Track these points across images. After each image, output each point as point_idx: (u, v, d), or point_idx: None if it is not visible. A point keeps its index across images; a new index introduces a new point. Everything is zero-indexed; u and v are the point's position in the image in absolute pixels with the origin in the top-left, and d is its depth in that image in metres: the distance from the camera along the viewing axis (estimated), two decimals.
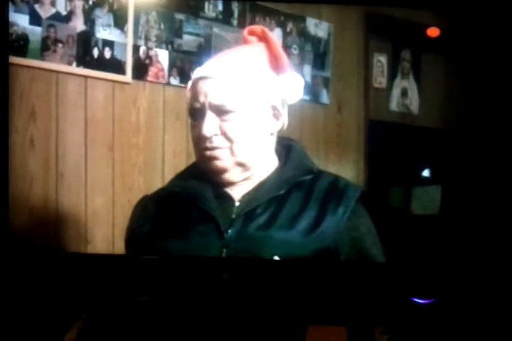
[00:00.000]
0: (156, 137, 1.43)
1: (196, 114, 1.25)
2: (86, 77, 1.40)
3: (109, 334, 1.37)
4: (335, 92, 1.46)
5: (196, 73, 1.27)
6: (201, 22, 1.42)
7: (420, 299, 1.40)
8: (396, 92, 1.45)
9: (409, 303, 1.40)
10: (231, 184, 1.27)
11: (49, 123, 1.40)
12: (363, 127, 1.46)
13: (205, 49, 1.41)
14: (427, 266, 1.41)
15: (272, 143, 1.30)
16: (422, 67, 1.44)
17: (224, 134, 1.24)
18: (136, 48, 1.41)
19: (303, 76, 1.36)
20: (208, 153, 1.25)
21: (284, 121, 1.29)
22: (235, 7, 1.42)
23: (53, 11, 1.37)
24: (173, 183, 1.34)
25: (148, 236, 1.31)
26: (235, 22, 1.42)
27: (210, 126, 1.23)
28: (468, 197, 1.41)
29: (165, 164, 1.43)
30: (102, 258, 1.42)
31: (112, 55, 1.40)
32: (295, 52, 1.43)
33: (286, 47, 1.42)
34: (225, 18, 1.42)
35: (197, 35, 1.42)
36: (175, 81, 1.43)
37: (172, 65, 1.42)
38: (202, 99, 1.24)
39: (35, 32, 1.37)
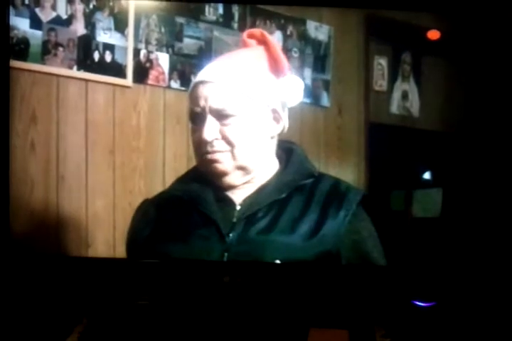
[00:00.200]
0: (156, 140, 1.43)
1: (197, 118, 1.25)
2: (87, 80, 1.40)
3: (110, 338, 1.37)
4: (335, 95, 1.46)
5: (196, 78, 1.27)
6: (202, 25, 1.41)
7: (421, 302, 1.40)
8: (396, 95, 1.45)
9: (410, 306, 1.40)
10: (232, 187, 1.27)
11: (50, 127, 1.40)
12: (364, 130, 1.46)
13: (205, 52, 1.41)
14: (428, 269, 1.41)
15: (272, 146, 1.30)
16: (422, 70, 1.44)
17: (225, 138, 1.24)
18: (136, 52, 1.41)
19: (303, 79, 1.36)
20: (209, 156, 1.25)
21: (284, 124, 1.29)
22: (236, 10, 1.42)
23: (54, 14, 1.37)
24: (174, 187, 1.34)
25: (150, 239, 1.31)
26: (235, 25, 1.42)
27: (210, 130, 1.23)
28: (470, 200, 1.41)
29: (166, 167, 1.43)
30: (102, 262, 1.42)
31: (113, 58, 1.40)
32: (295, 55, 1.43)
33: (287, 50, 1.42)
34: (225, 21, 1.42)
35: (197, 38, 1.42)
36: (175, 84, 1.43)
37: (173, 68, 1.42)
38: (202, 103, 1.24)
39: (36, 36, 1.37)
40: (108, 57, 1.40)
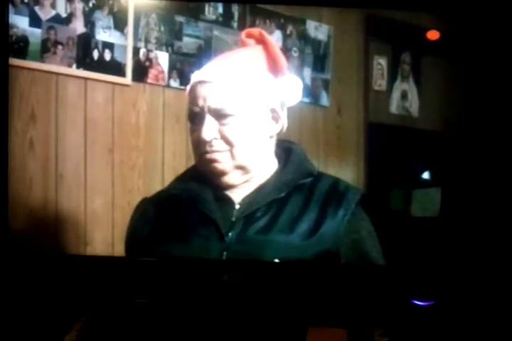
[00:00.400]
0: (155, 139, 1.43)
1: (195, 118, 1.25)
2: (86, 79, 1.40)
3: (109, 336, 1.37)
4: (335, 95, 1.46)
5: (194, 77, 1.27)
6: (201, 24, 1.41)
7: (420, 301, 1.40)
8: (396, 95, 1.45)
9: (409, 305, 1.40)
10: (231, 187, 1.27)
11: (49, 125, 1.40)
12: (363, 129, 1.46)
13: (205, 51, 1.41)
14: (426, 269, 1.41)
15: (271, 145, 1.30)
16: (421, 70, 1.44)
17: (223, 138, 1.24)
18: (136, 50, 1.41)
19: (303, 78, 1.36)
20: (208, 156, 1.25)
21: (283, 123, 1.29)
22: (235, 9, 1.42)
23: (53, 13, 1.37)
24: (173, 186, 1.34)
25: (148, 238, 1.31)
26: (235, 24, 1.42)
27: (209, 130, 1.23)
28: (468, 200, 1.41)
29: (165, 166, 1.43)
30: (101, 260, 1.42)
31: (112, 57, 1.40)
32: (295, 54, 1.43)
33: (287, 49, 1.42)
34: (225, 20, 1.42)
35: (197, 37, 1.42)
36: (175, 83, 1.42)
37: (172, 67, 1.42)
38: (201, 103, 1.23)
39: (35, 34, 1.36)
40: (107, 56, 1.40)
